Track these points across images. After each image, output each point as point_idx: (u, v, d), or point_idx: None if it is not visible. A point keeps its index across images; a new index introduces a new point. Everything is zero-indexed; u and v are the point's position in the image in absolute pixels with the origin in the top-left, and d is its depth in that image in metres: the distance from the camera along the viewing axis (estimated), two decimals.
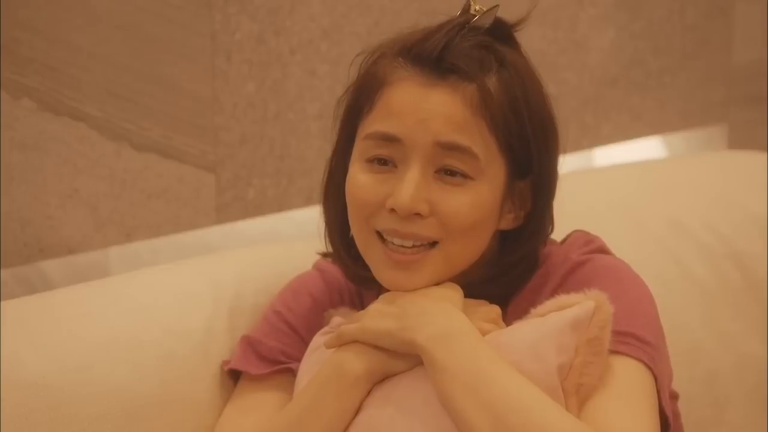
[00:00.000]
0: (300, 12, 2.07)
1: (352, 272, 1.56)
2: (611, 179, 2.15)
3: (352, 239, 1.51)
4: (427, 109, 1.42)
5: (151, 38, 1.94)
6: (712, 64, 2.61)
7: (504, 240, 1.51)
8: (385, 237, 1.45)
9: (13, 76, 1.84)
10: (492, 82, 1.44)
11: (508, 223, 1.50)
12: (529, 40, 1.51)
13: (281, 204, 2.11)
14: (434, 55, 1.43)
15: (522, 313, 1.46)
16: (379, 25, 2.14)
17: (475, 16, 1.45)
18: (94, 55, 1.89)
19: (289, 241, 1.91)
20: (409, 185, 1.42)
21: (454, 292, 1.46)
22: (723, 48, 2.62)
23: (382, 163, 1.45)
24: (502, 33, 1.47)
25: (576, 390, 1.38)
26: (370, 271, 1.50)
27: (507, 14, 1.49)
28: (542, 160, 1.47)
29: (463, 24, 1.45)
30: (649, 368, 1.42)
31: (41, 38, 1.85)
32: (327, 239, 1.56)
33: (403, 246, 1.44)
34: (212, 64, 2.00)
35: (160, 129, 1.97)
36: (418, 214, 1.43)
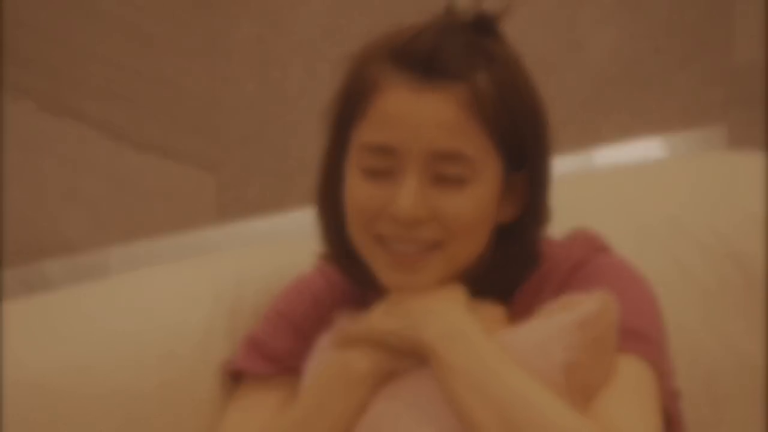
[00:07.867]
0: (300, 12, 2.07)
1: (353, 276, 1.56)
2: (611, 179, 2.14)
3: (350, 244, 1.51)
4: (419, 116, 1.42)
5: (151, 38, 1.94)
6: (712, 64, 2.60)
7: (502, 232, 1.51)
8: (387, 242, 1.45)
9: (13, 76, 1.84)
10: (482, 79, 1.43)
11: (506, 215, 1.49)
12: (528, 40, 1.51)
13: (281, 204, 2.11)
14: (423, 58, 1.43)
15: (525, 312, 1.46)
16: (380, 25, 2.13)
17: (460, 12, 1.45)
18: (94, 55, 1.89)
19: (289, 241, 1.91)
20: (408, 194, 1.42)
21: (459, 293, 1.46)
22: (723, 48, 2.62)
23: (378, 170, 1.45)
24: (487, 27, 1.47)
25: (582, 389, 1.38)
26: (370, 274, 1.49)
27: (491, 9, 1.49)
28: (536, 150, 1.47)
29: (449, 22, 1.45)
30: (652, 366, 1.42)
31: (41, 38, 1.85)
32: (325, 244, 1.56)
33: (406, 250, 1.45)
34: (212, 64, 2.00)
35: (160, 129, 1.97)
36: (419, 220, 1.43)
